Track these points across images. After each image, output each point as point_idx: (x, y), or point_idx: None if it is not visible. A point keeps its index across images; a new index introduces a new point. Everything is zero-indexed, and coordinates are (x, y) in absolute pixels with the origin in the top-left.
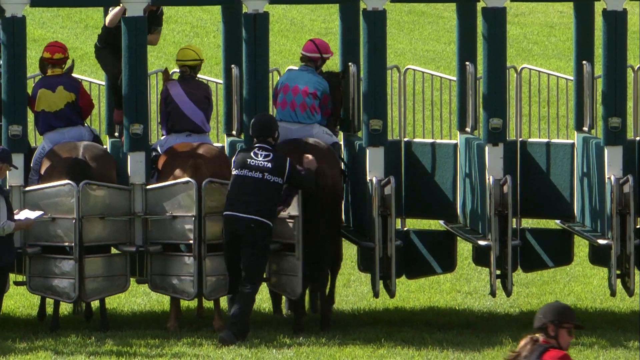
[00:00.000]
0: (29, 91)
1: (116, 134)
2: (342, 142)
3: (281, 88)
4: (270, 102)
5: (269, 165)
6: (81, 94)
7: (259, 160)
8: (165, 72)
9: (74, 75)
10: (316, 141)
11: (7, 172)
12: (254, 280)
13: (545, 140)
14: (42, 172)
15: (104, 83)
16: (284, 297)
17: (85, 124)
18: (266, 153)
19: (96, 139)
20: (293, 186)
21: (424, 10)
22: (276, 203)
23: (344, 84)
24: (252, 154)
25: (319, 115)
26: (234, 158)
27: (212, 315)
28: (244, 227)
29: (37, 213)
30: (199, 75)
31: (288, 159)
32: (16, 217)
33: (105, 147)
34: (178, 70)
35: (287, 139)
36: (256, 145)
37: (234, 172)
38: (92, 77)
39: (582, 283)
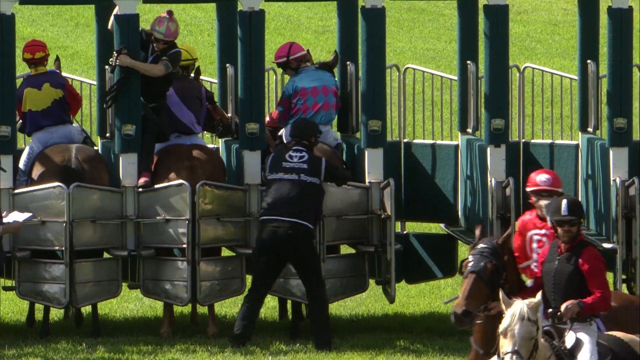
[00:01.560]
0: None
1: (107, 134)
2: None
3: (297, 94)
4: (273, 104)
5: (305, 166)
6: (68, 91)
7: (294, 162)
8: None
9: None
10: (321, 143)
11: None
12: (321, 284)
13: (549, 141)
14: (34, 176)
15: (95, 82)
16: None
17: (75, 124)
18: (301, 155)
19: (87, 139)
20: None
21: (424, 7)
22: (316, 203)
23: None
24: (286, 156)
25: (336, 113)
26: (267, 162)
27: (206, 322)
28: (284, 233)
29: (26, 215)
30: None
31: (323, 158)
32: (5, 219)
33: (96, 148)
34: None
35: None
36: (292, 147)
37: (268, 177)
38: (83, 76)
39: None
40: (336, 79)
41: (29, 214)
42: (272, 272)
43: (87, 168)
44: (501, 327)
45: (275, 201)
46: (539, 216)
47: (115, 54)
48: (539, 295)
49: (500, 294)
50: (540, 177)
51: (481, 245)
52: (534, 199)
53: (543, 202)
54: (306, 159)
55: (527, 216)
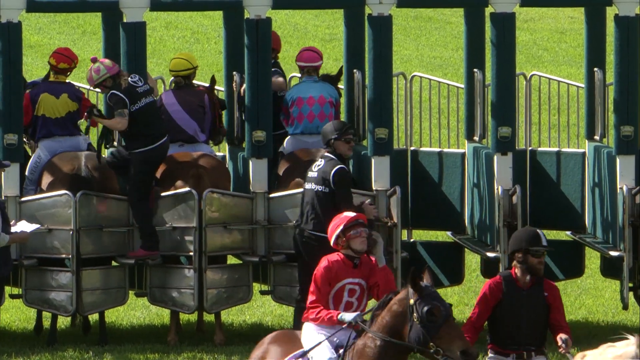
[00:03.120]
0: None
1: (115, 142)
2: None
3: (294, 102)
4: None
5: (316, 175)
6: (83, 105)
7: (313, 172)
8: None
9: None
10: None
11: (2, 177)
12: None
13: (556, 149)
14: (44, 184)
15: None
16: None
17: (81, 133)
18: (319, 163)
19: (90, 147)
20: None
21: (431, 15)
22: (327, 212)
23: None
24: (312, 165)
25: None
26: None
27: (213, 329)
28: (303, 242)
29: (34, 226)
30: (199, 83)
31: (336, 168)
32: (13, 229)
33: (104, 156)
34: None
35: (300, 148)
36: (321, 155)
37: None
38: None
39: (594, 296)
40: (342, 87)
41: (37, 225)
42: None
43: (97, 176)
44: None
45: (300, 210)
46: (349, 257)
47: (87, 114)
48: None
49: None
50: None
51: (431, 289)
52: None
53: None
54: (321, 167)
55: (335, 257)
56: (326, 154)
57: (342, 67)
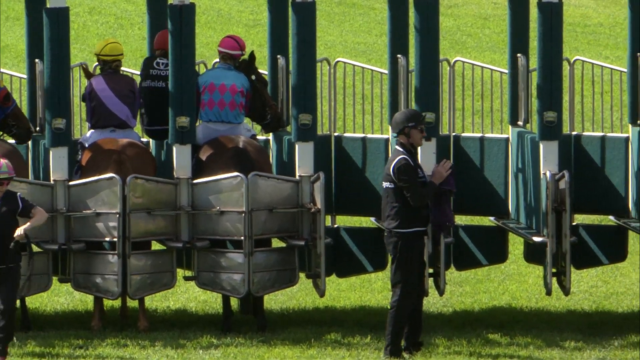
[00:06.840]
0: None
1: (37, 128)
2: (270, 137)
3: (205, 88)
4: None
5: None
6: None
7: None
8: (86, 69)
9: None
10: (249, 139)
11: None
12: None
13: (479, 134)
14: None
15: (25, 76)
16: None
17: None
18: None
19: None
20: None
21: (355, 1)
22: (399, 208)
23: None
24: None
25: (244, 114)
26: None
27: (137, 315)
28: (385, 241)
29: None
30: (123, 68)
31: (397, 158)
32: None
33: (12, 142)
34: (98, 63)
35: (222, 135)
36: None
37: None
38: (13, 70)
39: (517, 282)
40: (266, 72)
41: None
42: None
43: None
44: None
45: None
46: None
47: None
48: None
49: None
50: None
51: None
52: None
53: None
54: (387, 163)
55: None
56: (396, 146)
57: (252, 51)
